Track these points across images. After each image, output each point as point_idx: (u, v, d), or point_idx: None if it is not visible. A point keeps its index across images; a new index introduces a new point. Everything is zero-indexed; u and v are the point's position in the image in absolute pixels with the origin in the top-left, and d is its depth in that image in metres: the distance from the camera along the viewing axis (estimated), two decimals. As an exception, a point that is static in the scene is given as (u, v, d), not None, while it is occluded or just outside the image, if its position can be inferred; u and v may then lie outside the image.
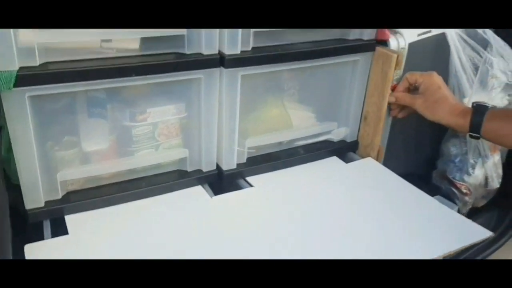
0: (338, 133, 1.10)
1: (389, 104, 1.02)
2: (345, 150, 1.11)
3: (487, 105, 0.91)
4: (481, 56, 1.09)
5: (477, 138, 0.92)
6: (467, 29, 1.10)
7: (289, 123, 1.04)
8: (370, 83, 1.04)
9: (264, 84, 0.98)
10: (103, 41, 0.76)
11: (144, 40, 0.79)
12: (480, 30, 1.08)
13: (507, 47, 1.10)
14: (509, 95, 1.14)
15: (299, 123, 1.07)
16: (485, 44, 1.09)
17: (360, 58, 1.00)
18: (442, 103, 0.94)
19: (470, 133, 0.92)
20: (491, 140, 0.94)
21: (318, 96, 1.09)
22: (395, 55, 0.97)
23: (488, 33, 1.08)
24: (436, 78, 0.96)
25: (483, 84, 1.08)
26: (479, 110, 0.90)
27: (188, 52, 0.81)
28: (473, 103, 0.94)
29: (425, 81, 0.96)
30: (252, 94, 0.97)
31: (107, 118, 0.84)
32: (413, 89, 1.00)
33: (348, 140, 1.11)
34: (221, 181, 0.96)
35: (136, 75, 0.77)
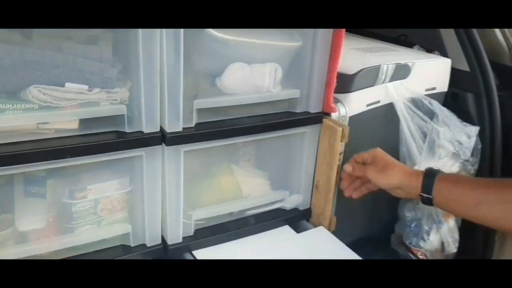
0: (290, 201, 1.10)
1: (341, 180, 1.03)
2: (298, 218, 1.11)
3: (438, 169, 0.92)
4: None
5: (430, 203, 0.91)
6: (414, 99, 1.13)
7: (240, 192, 1.04)
8: (320, 153, 1.05)
9: (213, 154, 0.99)
10: (39, 123, 0.76)
11: (83, 120, 0.79)
12: (426, 101, 1.12)
13: (453, 116, 1.13)
14: (460, 162, 1.17)
15: (251, 191, 1.06)
16: (431, 114, 1.12)
17: (307, 130, 1.01)
18: (392, 167, 0.95)
19: (421, 194, 0.91)
20: (442, 206, 0.93)
21: (273, 163, 1.10)
22: (340, 129, 0.98)
23: (434, 104, 1.12)
24: (380, 150, 0.98)
25: (431, 152, 1.10)
26: (430, 172, 0.91)
27: (128, 131, 0.82)
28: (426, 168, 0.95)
29: (371, 154, 0.98)
30: (200, 165, 0.98)
31: (46, 197, 0.83)
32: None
33: (301, 208, 1.11)
34: (166, 256, 0.94)
35: (74, 156, 0.77)
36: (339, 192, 1.11)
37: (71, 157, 0.77)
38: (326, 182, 1.05)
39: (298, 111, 1.00)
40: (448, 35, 1.25)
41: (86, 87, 0.75)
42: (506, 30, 1.21)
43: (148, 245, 0.93)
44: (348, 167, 1.01)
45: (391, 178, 0.93)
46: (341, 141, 1.00)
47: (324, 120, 1.01)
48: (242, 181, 1.05)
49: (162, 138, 0.84)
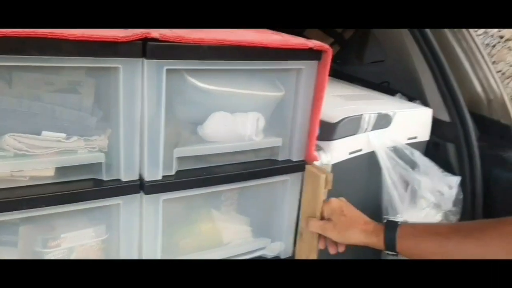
0: (272, 248, 1.08)
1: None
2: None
3: (397, 220, 0.88)
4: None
5: (395, 255, 0.87)
6: (395, 148, 1.14)
7: (220, 239, 1.02)
8: (303, 200, 1.04)
9: (194, 201, 0.98)
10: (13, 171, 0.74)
11: (60, 167, 0.78)
12: (407, 151, 1.13)
13: (434, 166, 1.14)
14: (442, 212, 1.17)
15: (232, 238, 1.05)
16: (413, 163, 1.12)
17: (289, 178, 1.01)
18: (351, 225, 0.89)
19: (387, 252, 0.87)
20: (408, 257, 0.88)
21: (255, 210, 1.08)
22: (324, 176, 0.97)
23: (415, 154, 1.13)
24: (335, 203, 0.93)
25: (413, 203, 1.10)
26: (390, 226, 0.87)
27: (106, 179, 0.80)
28: (384, 218, 0.91)
29: (327, 210, 0.93)
30: (179, 212, 0.96)
31: (17, 245, 0.80)
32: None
33: (283, 257, 1.09)
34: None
35: (49, 205, 0.75)
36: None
37: (46, 206, 0.75)
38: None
39: (280, 159, 1.00)
40: (429, 84, 1.28)
41: (63, 135, 0.74)
42: (484, 83, 1.24)
43: (123, 297, 0.89)
44: (304, 223, 0.96)
45: (352, 239, 0.89)
46: (325, 188, 0.98)
47: (307, 166, 1.00)
48: (222, 228, 1.04)
49: (140, 186, 0.83)
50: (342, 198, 0.95)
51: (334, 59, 1.80)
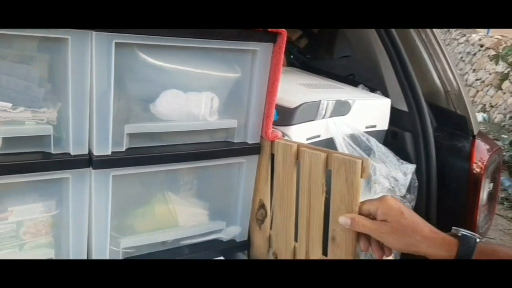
0: (228, 232, 1.09)
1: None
2: (235, 250, 1.10)
3: (474, 236, 0.76)
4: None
5: None
6: (353, 136, 1.16)
7: (175, 221, 1.03)
8: (334, 195, 0.89)
9: (149, 181, 0.98)
10: (-43, 138, 0.74)
11: (7, 139, 0.78)
12: (364, 138, 1.15)
13: (389, 153, 1.16)
14: (398, 198, 1.19)
15: (187, 220, 1.05)
16: (369, 150, 1.15)
17: (245, 161, 1.02)
18: (415, 231, 0.76)
19: None
20: None
21: (213, 194, 1.09)
22: (360, 161, 0.84)
23: (372, 141, 1.15)
24: (393, 202, 0.79)
25: (368, 188, 1.12)
26: (466, 243, 0.74)
27: (54, 152, 0.80)
28: (456, 230, 0.78)
29: (382, 209, 0.79)
30: (133, 191, 0.96)
31: (-38, 216, 0.80)
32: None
33: (238, 240, 1.10)
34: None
35: (-7, 174, 0.75)
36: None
37: (-12, 176, 0.75)
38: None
39: (235, 141, 1.01)
40: (389, 76, 1.31)
41: (9, 105, 0.74)
42: (442, 74, 1.27)
43: (72, 272, 0.89)
44: (344, 220, 0.83)
45: (415, 248, 0.76)
46: (362, 177, 0.84)
47: (335, 154, 0.89)
48: (179, 210, 1.04)
49: (89, 161, 0.83)
50: (398, 197, 0.84)
51: (304, 54, 1.84)
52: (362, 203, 0.83)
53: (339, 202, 0.87)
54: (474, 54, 7.69)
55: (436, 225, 1.15)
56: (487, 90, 6.84)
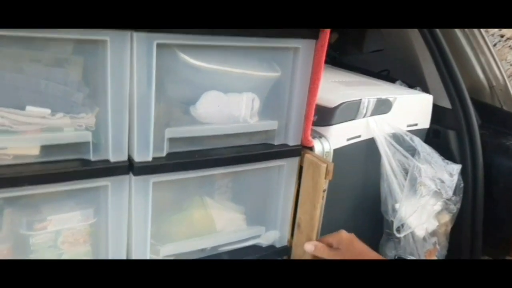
0: (267, 237, 1.05)
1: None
2: (274, 256, 1.05)
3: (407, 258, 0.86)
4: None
5: None
6: (395, 135, 1.11)
7: (213, 227, 0.99)
8: (302, 190, 1.00)
9: (186, 186, 0.94)
10: (-4, 147, 0.71)
11: (45, 146, 0.74)
12: (407, 137, 1.09)
13: (434, 154, 1.11)
14: (442, 201, 1.14)
15: (225, 226, 1.01)
16: (413, 150, 1.09)
17: (285, 164, 0.98)
18: (360, 256, 0.90)
19: None
20: None
21: (250, 197, 1.05)
22: (325, 165, 0.93)
23: (416, 140, 1.10)
24: (346, 235, 0.94)
25: (413, 190, 1.07)
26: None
27: (93, 159, 0.77)
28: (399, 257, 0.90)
29: (335, 240, 0.93)
30: (170, 196, 0.93)
31: (1, 227, 0.77)
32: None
33: (278, 246, 1.05)
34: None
35: (33, 184, 0.72)
36: (321, 230, 1.07)
37: (30, 185, 0.72)
38: (309, 221, 1.00)
39: (275, 143, 0.96)
40: (430, 71, 1.25)
41: (48, 111, 0.71)
42: (487, 68, 1.21)
43: (111, 282, 0.86)
44: (309, 247, 0.95)
45: None
46: (325, 178, 0.94)
47: (307, 155, 0.96)
48: (216, 215, 1.00)
49: (129, 167, 0.79)
50: (352, 234, 0.96)
51: (333, 49, 1.78)
52: (324, 237, 0.97)
53: (305, 196, 0.98)
54: (495, 45, 7.54)
55: (482, 227, 1.10)
56: (509, 81, 6.70)
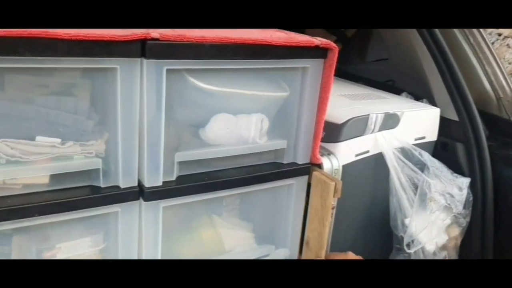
0: (276, 255, 1.04)
1: None
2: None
3: None
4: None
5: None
6: (403, 150, 1.10)
7: (222, 247, 0.98)
8: (311, 208, 1.00)
9: (195, 207, 0.93)
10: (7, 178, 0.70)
11: (55, 174, 0.74)
12: (416, 152, 1.09)
13: (443, 168, 1.10)
14: (452, 215, 1.13)
15: (234, 245, 1.00)
16: (422, 165, 1.09)
17: (294, 182, 0.97)
18: None
19: None
20: None
21: (258, 215, 1.04)
22: (333, 184, 0.93)
23: (424, 155, 1.09)
24: (352, 256, 0.97)
25: (423, 206, 1.06)
26: None
27: (103, 186, 0.76)
28: None
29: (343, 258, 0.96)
30: (180, 218, 0.92)
31: (10, 256, 0.76)
32: None
33: (287, 263, 1.04)
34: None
35: (43, 214, 0.71)
36: (331, 246, 1.06)
37: (40, 215, 0.71)
38: (317, 239, 0.99)
39: (285, 162, 0.96)
40: (436, 82, 1.24)
41: (58, 140, 0.70)
42: (493, 80, 1.20)
43: (122, 308, 0.85)
44: None
45: None
46: (334, 196, 0.94)
47: (315, 173, 0.96)
48: (224, 234, 0.99)
49: (140, 193, 0.79)
50: (359, 257, 0.98)
51: (338, 59, 1.77)
52: (330, 254, 1.00)
53: (314, 214, 0.98)
54: (492, 43, 7.53)
55: (493, 241, 1.09)
56: (509, 78, 6.69)
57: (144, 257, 0.84)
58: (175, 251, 0.92)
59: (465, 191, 1.09)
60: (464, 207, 1.11)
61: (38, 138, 0.68)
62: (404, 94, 1.33)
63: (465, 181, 1.11)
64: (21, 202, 0.70)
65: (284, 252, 1.04)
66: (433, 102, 1.26)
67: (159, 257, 0.85)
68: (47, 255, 0.78)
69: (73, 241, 0.80)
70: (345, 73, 1.64)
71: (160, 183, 0.80)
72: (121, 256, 0.82)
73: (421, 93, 1.30)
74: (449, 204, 1.05)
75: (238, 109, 0.86)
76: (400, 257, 1.14)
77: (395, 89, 1.40)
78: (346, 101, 1.18)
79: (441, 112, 1.22)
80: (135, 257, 0.84)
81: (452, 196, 1.06)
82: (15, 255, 0.76)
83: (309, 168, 0.97)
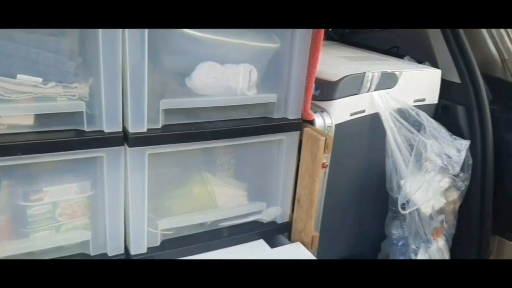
0: (268, 213, 1.04)
1: None
2: (275, 232, 1.04)
3: None
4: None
5: None
6: (401, 110, 1.08)
7: (214, 202, 0.98)
8: (302, 165, 0.99)
9: (185, 160, 0.93)
10: (-10, 116, 0.71)
11: (39, 116, 0.74)
12: (413, 112, 1.06)
13: (441, 129, 1.08)
14: (449, 177, 1.11)
15: (226, 201, 1.01)
16: (419, 126, 1.06)
17: (285, 138, 0.96)
18: None
19: None
20: None
21: (251, 174, 1.04)
22: (323, 138, 0.92)
23: (422, 115, 1.06)
24: None
25: (418, 165, 1.04)
26: None
27: (87, 129, 0.77)
28: None
29: None
30: (169, 171, 0.92)
31: (-2, 198, 0.77)
32: None
33: (279, 222, 1.04)
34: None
35: (27, 153, 0.72)
36: (325, 208, 1.06)
37: (24, 154, 0.72)
38: (308, 196, 0.98)
39: (275, 116, 0.95)
40: (439, 45, 1.21)
41: (40, 80, 0.70)
42: (498, 41, 1.16)
43: (110, 255, 0.86)
44: None
45: None
46: (324, 153, 0.93)
47: (306, 129, 0.95)
48: (217, 191, 0.99)
49: (124, 138, 0.79)
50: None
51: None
52: None
53: (304, 171, 0.97)
54: None
55: (492, 207, 1.06)
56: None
57: (131, 205, 0.84)
58: (165, 204, 0.93)
59: (463, 153, 1.06)
60: (463, 170, 1.08)
61: (20, 76, 0.69)
62: (406, 57, 1.30)
63: (464, 143, 1.08)
64: (5, 140, 0.71)
65: (275, 210, 1.04)
66: (435, 65, 1.22)
67: (145, 207, 0.86)
68: (34, 198, 0.79)
69: (60, 186, 0.81)
70: (351, 41, 1.61)
71: (144, 130, 0.80)
72: (108, 204, 0.83)
73: (424, 58, 1.27)
74: (445, 165, 1.03)
75: (225, 59, 0.85)
76: (396, 220, 1.13)
77: (398, 55, 1.36)
78: (344, 61, 1.16)
79: (443, 74, 1.18)
80: (122, 205, 0.84)
81: (449, 157, 1.04)
82: (3, 198, 0.78)
83: (300, 124, 0.96)
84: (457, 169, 1.05)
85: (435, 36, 1.23)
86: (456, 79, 1.16)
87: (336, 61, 1.14)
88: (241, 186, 1.04)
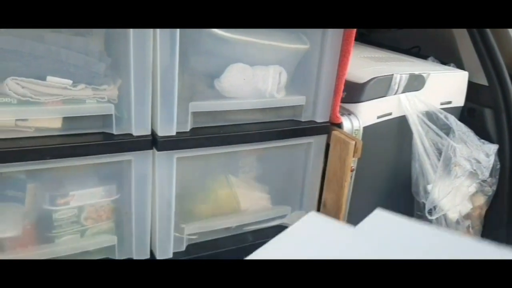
0: (292, 218, 1.02)
1: None
2: (300, 237, 1.02)
3: None
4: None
5: None
6: (428, 113, 1.05)
7: (238, 206, 0.96)
8: (329, 169, 0.97)
9: (210, 163, 0.92)
10: (18, 119, 0.69)
11: (67, 119, 0.72)
12: (441, 115, 1.04)
13: (470, 133, 1.05)
14: (478, 182, 1.08)
15: (250, 205, 0.99)
16: (447, 129, 1.04)
17: (313, 141, 0.94)
18: None
19: None
20: None
21: (275, 176, 1.02)
22: (353, 143, 0.89)
23: (450, 119, 1.04)
24: None
25: (447, 170, 1.01)
26: None
27: (116, 133, 0.75)
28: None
29: None
30: (195, 174, 0.90)
31: (24, 202, 0.75)
32: None
33: (304, 226, 1.02)
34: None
35: (55, 158, 0.70)
36: (350, 213, 1.03)
37: (52, 158, 0.70)
38: (335, 201, 0.96)
39: (303, 119, 0.93)
40: (465, 47, 1.18)
41: (70, 81, 0.69)
42: (528, 43, 1.13)
43: (135, 259, 0.85)
44: None
45: None
46: (353, 157, 0.91)
47: (335, 132, 0.92)
48: (240, 194, 0.98)
49: (153, 142, 0.77)
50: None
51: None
52: None
53: (332, 175, 0.94)
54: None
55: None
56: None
57: (158, 210, 0.82)
58: (190, 208, 0.91)
59: (492, 158, 1.04)
60: (491, 175, 1.06)
61: (49, 78, 0.67)
62: (430, 58, 1.27)
63: (492, 147, 1.05)
64: (33, 144, 0.69)
65: (300, 214, 1.01)
66: (461, 67, 1.20)
67: (172, 211, 0.84)
68: (60, 202, 0.77)
69: (87, 189, 0.80)
70: (370, 40, 1.58)
71: (173, 133, 0.78)
72: (134, 208, 0.81)
73: (448, 58, 1.24)
74: (475, 170, 1.00)
75: (255, 60, 0.83)
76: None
77: (421, 55, 1.34)
78: (370, 62, 1.13)
79: (469, 76, 1.16)
80: (149, 210, 0.83)
81: (478, 161, 1.01)
82: (29, 202, 0.76)
83: (328, 127, 0.94)
84: (486, 174, 1.02)
85: (461, 37, 1.20)
86: (483, 81, 1.14)
87: (361, 62, 1.12)
88: (263, 189, 1.02)
